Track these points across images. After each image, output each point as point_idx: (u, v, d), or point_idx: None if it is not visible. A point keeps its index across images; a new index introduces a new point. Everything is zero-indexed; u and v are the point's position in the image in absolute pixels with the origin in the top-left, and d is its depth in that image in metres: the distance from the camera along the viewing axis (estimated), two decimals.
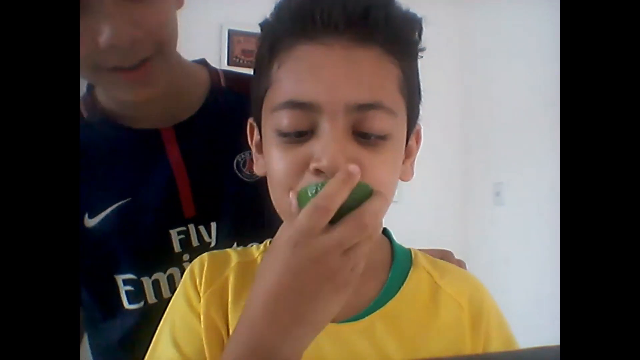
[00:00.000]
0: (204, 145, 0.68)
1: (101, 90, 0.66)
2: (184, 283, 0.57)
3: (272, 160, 0.50)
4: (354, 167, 0.42)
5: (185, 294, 0.56)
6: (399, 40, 0.50)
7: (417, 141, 0.58)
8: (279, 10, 0.51)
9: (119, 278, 0.65)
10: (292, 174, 0.48)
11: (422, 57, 0.55)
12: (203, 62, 0.76)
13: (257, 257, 0.59)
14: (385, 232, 0.62)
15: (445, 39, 2.56)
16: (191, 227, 0.66)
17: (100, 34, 0.50)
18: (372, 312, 0.54)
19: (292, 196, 0.45)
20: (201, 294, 0.55)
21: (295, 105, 0.47)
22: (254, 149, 0.58)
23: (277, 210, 0.53)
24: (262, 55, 0.52)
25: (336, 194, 0.41)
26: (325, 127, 0.46)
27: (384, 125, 0.48)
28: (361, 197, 0.43)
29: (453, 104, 2.68)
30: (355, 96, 0.47)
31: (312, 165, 0.46)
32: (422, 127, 0.58)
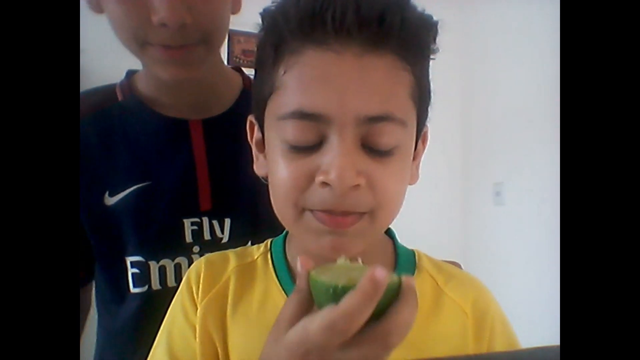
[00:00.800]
0: (228, 143, 0.69)
1: (141, 76, 0.70)
2: (181, 292, 0.57)
3: (276, 169, 0.48)
4: (380, 273, 0.35)
5: (182, 304, 0.55)
6: (414, 45, 0.48)
7: (424, 142, 0.57)
8: (284, 4, 0.47)
9: (128, 260, 0.65)
10: (298, 186, 0.46)
11: (434, 58, 0.53)
12: (238, 69, 0.80)
13: (257, 258, 0.59)
14: (388, 232, 0.60)
15: (445, 39, 2.55)
16: (205, 220, 0.67)
17: (155, 12, 0.56)
18: None
19: (300, 268, 0.42)
20: (198, 304, 0.54)
21: (303, 116, 0.45)
22: (254, 147, 0.56)
23: (279, 219, 0.52)
24: (265, 54, 0.49)
25: (359, 313, 0.36)
26: (334, 139, 0.44)
27: (394, 138, 0.47)
28: (387, 293, 0.37)
29: (453, 104, 2.67)
30: (366, 108, 0.44)
31: (319, 179, 0.45)
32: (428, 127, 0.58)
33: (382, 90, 0.45)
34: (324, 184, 0.45)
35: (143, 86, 0.70)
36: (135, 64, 0.70)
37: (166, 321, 0.56)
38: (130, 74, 0.72)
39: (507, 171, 2.39)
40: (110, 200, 0.65)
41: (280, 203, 0.50)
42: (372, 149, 0.46)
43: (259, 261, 0.59)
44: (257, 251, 0.60)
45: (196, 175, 0.67)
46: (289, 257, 0.58)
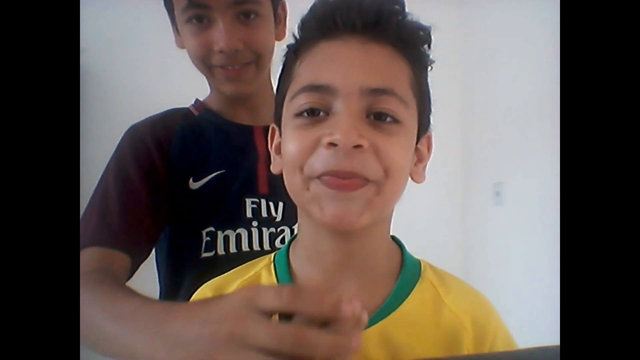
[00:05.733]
0: None
1: (210, 98, 0.91)
2: None
3: (287, 143, 0.52)
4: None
5: None
6: (409, 43, 0.54)
7: (429, 148, 0.60)
8: (304, 21, 0.56)
9: (204, 232, 0.81)
10: (305, 151, 0.50)
11: (432, 68, 0.58)
12: None
13: (261, 270, 0.59)
14: (397, 241, 0.61)
15: (445, 39, 2.55)
16: (263, 201, 0.84)
17: (216, 43, 0.77)
18: (372, 325, 0.53)
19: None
20: None
21: (313, 88, 0.50)
22: (273, 152, 0.60)
23: (290, 193, 0.54)
24: (287, 60, 0.58)
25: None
26: (340, 107, 0.49)
27: (396, 109, 0.51)
28: None
29: (453, 104, 2.67)
30: (369, 81, 0.50)
31: (326, 140, 0.48)
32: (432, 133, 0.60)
33: (384, 70, 0.51)
34: (330, 144, 0.48)
35: (213, 104, 0.90)
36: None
37: None
38: (197, 100, 0.92)
39: (507, 171, 2.39)
40: (195, 185, 0.82)
41: (289, 173, 0.53)
42: (376, 119, 0.50)
43: (263, 273, 0.59)
44: (260, 263, 0.61)
45: (257, 166, 0.84)
46: (293, 266, 0.58)
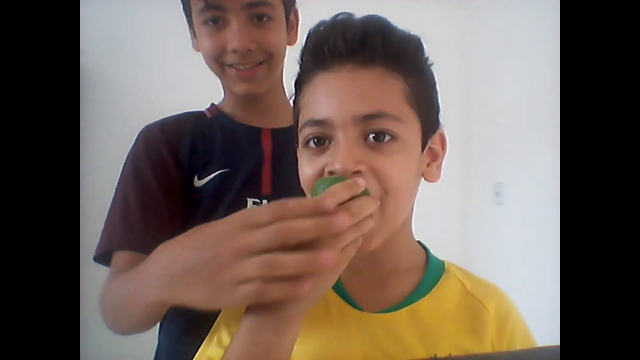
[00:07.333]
0: (289, 148, 0.84)
1: (223, 102, 0.96)
2: None
3: (302, 168, 0.60)
4: (360, 180, 0.48)
5: None
6: (400, 59, 0.57)
7: (442, 145, 0.64)
8: (303, 50, 0.61)
9: None
10: (313, 178, 0.56)
11: (432, 65, 0.61)
12: None
13: None
14: (422, 244, 0.68)
15: (445, 39, 2.56)
16: (265, 201, 0.86)
17: (229, 43, 0.81)
18: (402, 308, 0.60)
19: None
20: None
21: (313, 123, 0.56)
22: None
23: None
24: (295, 90, 0.63)
25: (337, 193, 0.47)
26: (338, 137, 0.54)
27: (391, 127, 0.55)
28: None
29: (453, 104, 2.67)
30: (360, 109, 0.54)
31: (327, 169, 0.55)
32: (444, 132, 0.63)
33: (373, 95, 0.55)
34: (331, 173, 0.54)
35: (226, 107, 0.95)
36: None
37: (221, 314, 0.64)
38: (212, 104, 0.97)
39: (507, 171, 2.39)
40: (199, 183, 0.85)
41: (306, 193, 0.59)
42: (374, 140, 0.54)
43: None
44: None
45: (262, 167, 0.87)
46: None
